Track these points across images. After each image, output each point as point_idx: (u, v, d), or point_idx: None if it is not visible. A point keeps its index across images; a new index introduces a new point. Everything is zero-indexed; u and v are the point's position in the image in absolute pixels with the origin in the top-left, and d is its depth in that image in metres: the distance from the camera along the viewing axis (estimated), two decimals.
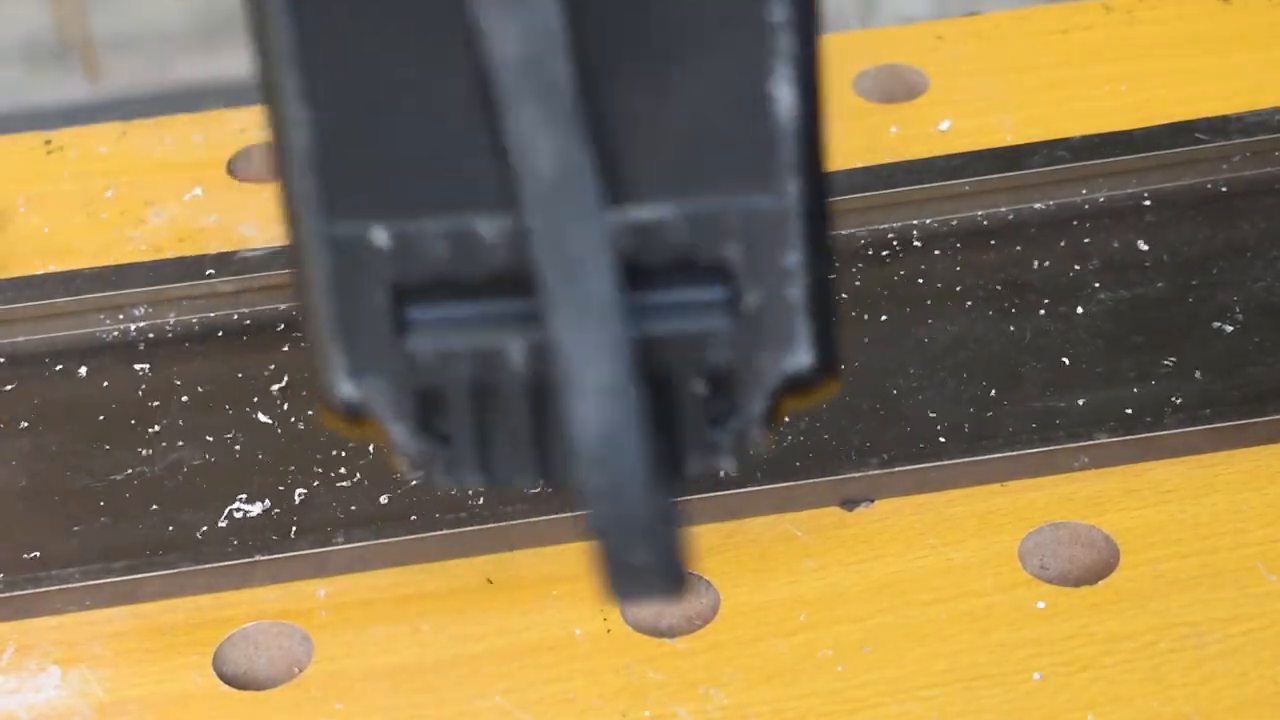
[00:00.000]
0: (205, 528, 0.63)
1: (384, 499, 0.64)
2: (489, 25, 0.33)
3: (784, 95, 0.35)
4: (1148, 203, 0.74)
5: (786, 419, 0.38)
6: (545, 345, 0.35)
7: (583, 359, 0.35)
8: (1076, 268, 0.71)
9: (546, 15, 0.34)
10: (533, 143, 0.34)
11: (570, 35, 0.34)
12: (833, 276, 0.38)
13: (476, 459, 0.37)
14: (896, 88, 0.82)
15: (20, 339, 0.72)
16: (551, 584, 0.61)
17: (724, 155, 0.36)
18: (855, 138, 0.79)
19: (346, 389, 0.37)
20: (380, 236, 0.36)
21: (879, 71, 0.83)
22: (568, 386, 0.35)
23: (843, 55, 0.84)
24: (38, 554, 0.63)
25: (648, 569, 0.36)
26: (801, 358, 0.37)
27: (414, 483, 0.63)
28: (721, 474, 0.38)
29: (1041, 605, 0.59)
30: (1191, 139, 0.74)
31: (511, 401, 0.37)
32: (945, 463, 0.63)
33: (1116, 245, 0.72)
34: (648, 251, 0.36)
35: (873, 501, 0.63)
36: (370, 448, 0.65)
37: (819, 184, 0.36)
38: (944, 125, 0.79)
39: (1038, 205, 0.74)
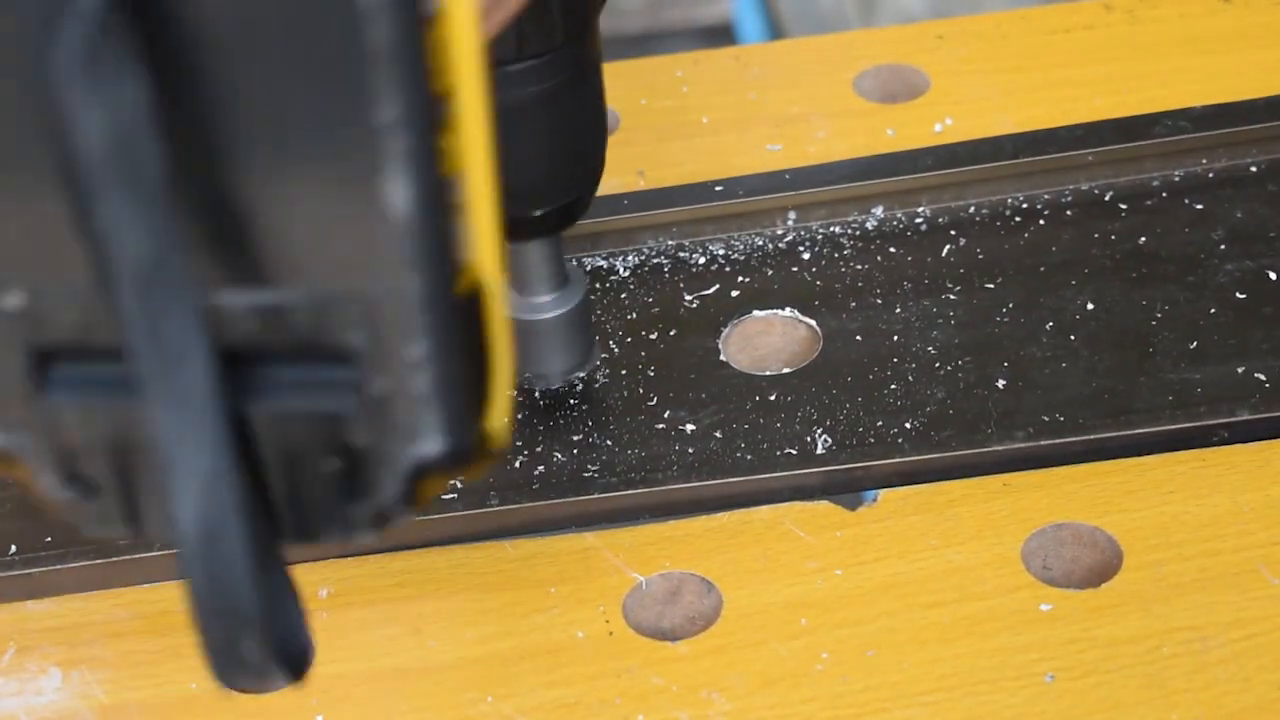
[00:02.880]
0: None
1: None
2: (72, 110, 0.32)
3: (397, 193, 0.34)
4: (1260, 171, 0.75)
5: (430, 497, 0.38)
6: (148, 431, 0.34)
7: (181, 449, 0.34)
8: (1202, 238, 0.71)
9: (134, 98, 0.33)
10: (123, 230, 0.33)
11: (160, 119, 0.33)
12: (476, 361, 0.37)
13: (124, 511, 0.37)
14: (897, 88, 0.82)
15: None
16: (552, 585, 0.61)
17: (342, 246, 0.35)
18: (855, 137, 0.79)
19: None
20: (11, 301, 0.36)
21: (879, 71, 0.83)
22: (168, 476, 0.34)
23: (843, 55, 0.84)
24: None
25: (256, 661, 0.36)
26: (431, 445, 0.36)
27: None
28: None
29: (1044, 608, 0.59)
30: None
31: (152, 460, 0.36)
32: (1086, 437, 0.64)
33: (1240, 215, 0.72)
34: (274, 333, 0.36)
35: (876, 499, 0.63)
36: None
37: (444, 276, 0.35)
38: (938, 128, 0.79)
39: (1158, 175, 0.75)
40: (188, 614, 0.35)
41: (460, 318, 0.36)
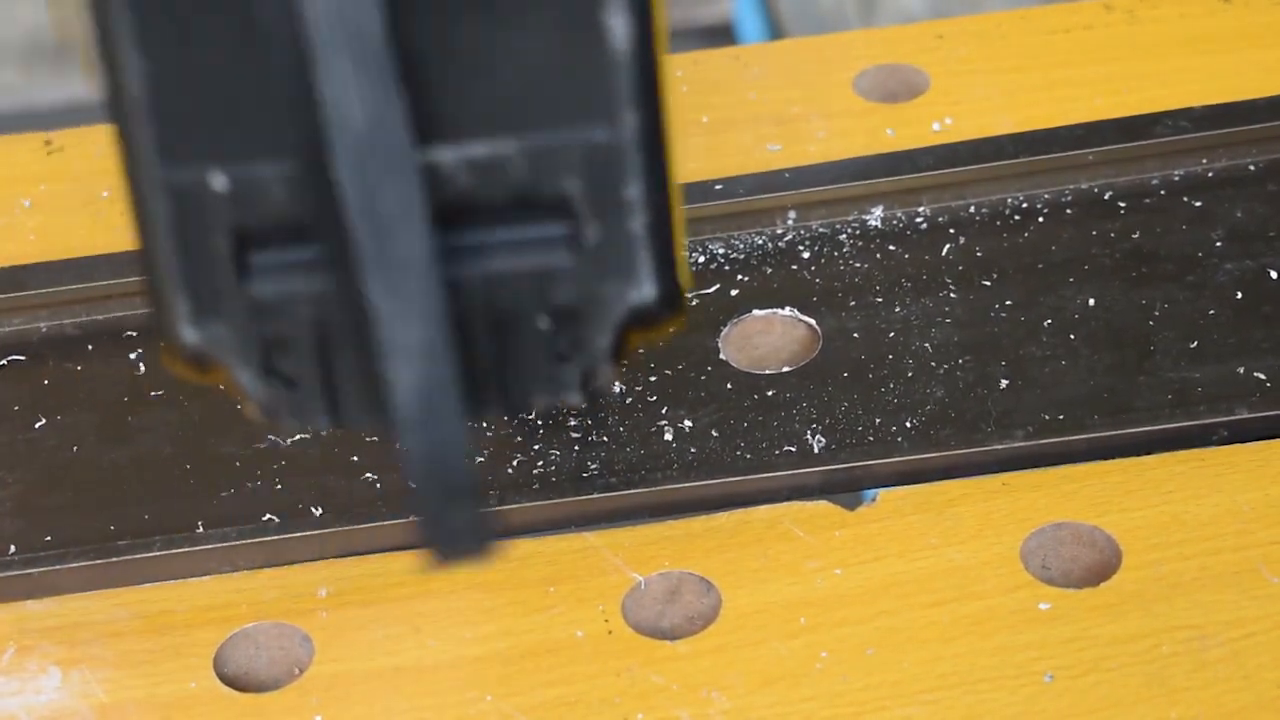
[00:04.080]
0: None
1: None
2: None
3: (618, 26, 0.35)
4: (1260, 170, 0.75)
5: (632, 353, 0.38)
6: (363, 301, 0.34)
7: (396, 321, 0.34)
8: (1201, 238, 0.71)
9: None
10: (344, 95, 0.33)
11: None
12: (674, 209, 0.37)
13: (323, 402, 0.37)
14: (897, 87, 0.82)
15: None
16: (552, 584, 0.61)
17: (561, 90, 0.35)
18: (855, 137, 0.79)
19: (190, 335, 0.37)
20: (219, 181, 0.36)
21: (879, 71, 0.83)
22: (383, 349, 0.34)
23: (843, 55, 0.84)
24: (200, 523, 0.64)
25: (464, 529, 0.36)
26: (645, 290, 0.37)
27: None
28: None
29: (1044, 607, 0.59)
30: None
31: (355, 343, 0.37)
32: (1086, 436, 0.64)
33: (1239, 215, 0.72)
34: (488, 189, 0.36)
35: (875, 499, 0.63)
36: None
37: (657, 115, 0.36)
38: (936, 127, 0.79)
39: (1159, 175, 0.75)
40: (407, 479, 0.35)
41: (664, 160, 0.36)
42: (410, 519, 0.63)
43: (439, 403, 0.35)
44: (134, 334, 0.71)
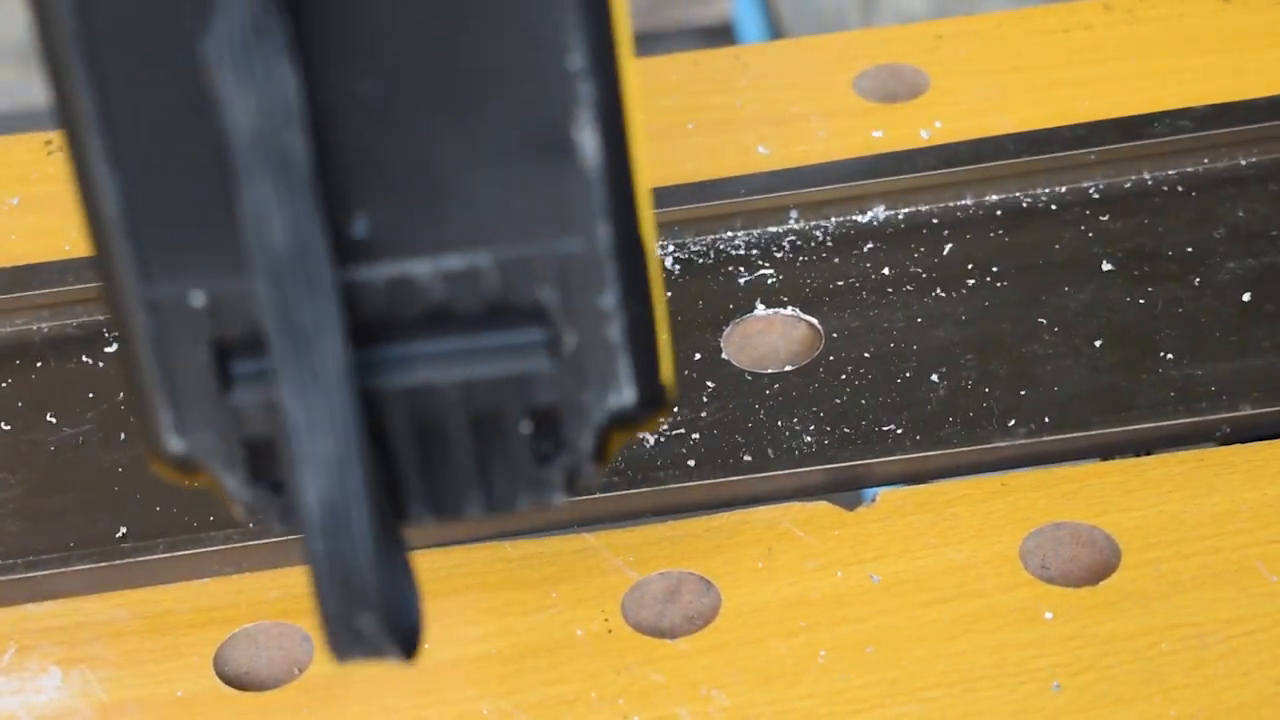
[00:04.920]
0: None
1: None
2: (225, 96, 0.33)
3: (587, 142, 0.35)
4: (1262, 170, 0.75)
5: (615, 453, 0.39)
6: (279, 412, 0.35)
7: (309, 431, 0.35)
8: (1203, 237, 0.72)
9: (284, 88, 0.33)
10: (264, 215, 0.34)
11: (309, 110, 0.34)
12: (655, 309, 0.38)
13: (290, 489, 0.37)
14: (897, 87, 0.82)
15: None
16: (552, 585, 0.61)
17: (532, 203, 0.36)
18: (855, 137, 0.79)
19: (175, 444, 0.38)
20: (197, 297, 0.36)
21: (879, 71, 0.83)
22: (294, 457, 0.35)
23: (843, 55, 0.84)
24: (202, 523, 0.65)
25: (371, 636, 0.36)
26: (625, 395, 0.37)
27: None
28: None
29: (1043, 606, 0.59)
30: None
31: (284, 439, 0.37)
32: (1089, 433, 0.64)
33: (1241, 214, 0.72)
34: (463, 298, 0.36)
35: (876, 499, 0.63)
36: None
37: (630, 224, 0.36)
38: (937, 126, 0.79)
39: (1160, 174, 0.75)
40: (309, 588, 0.36)
41: (639, 267, 0.37)
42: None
43: (345, 513, 0.35)
44: None
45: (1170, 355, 0.67)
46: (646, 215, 0.37)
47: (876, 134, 0.79)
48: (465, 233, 0.36)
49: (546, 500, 0.38)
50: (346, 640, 0.37)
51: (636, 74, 0.36)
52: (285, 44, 0.33)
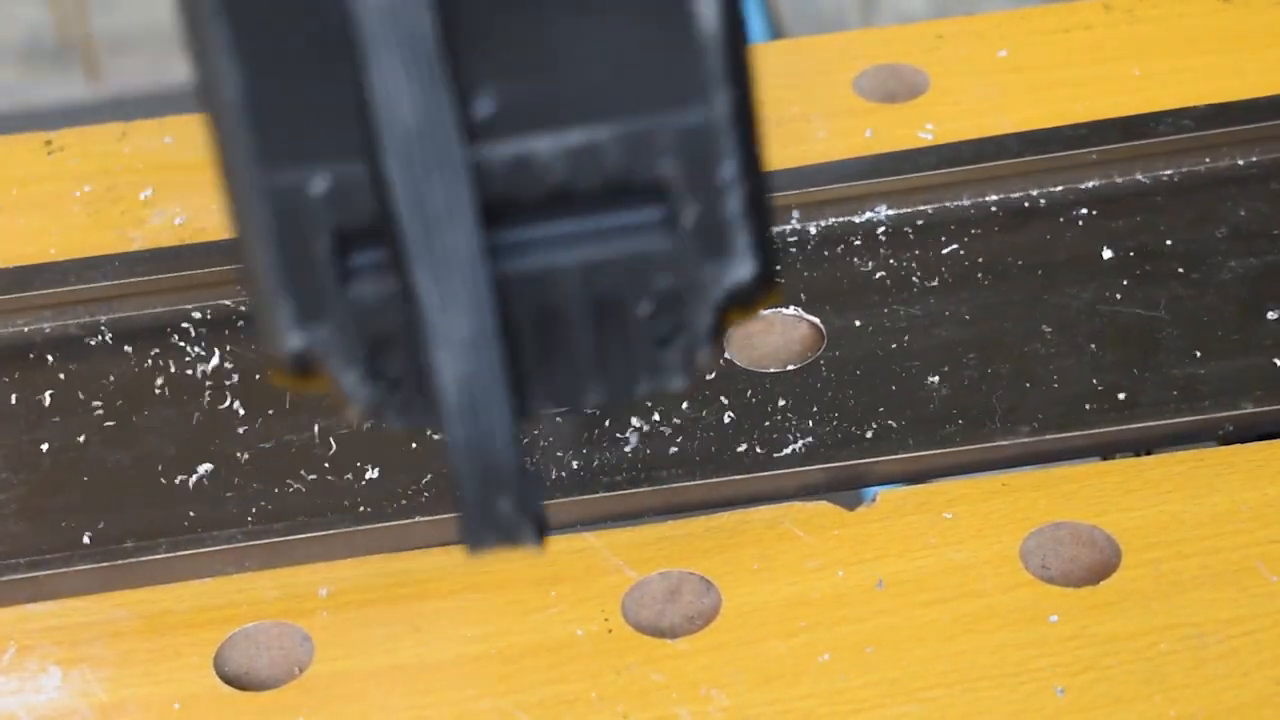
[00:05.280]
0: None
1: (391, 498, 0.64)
2: None
3: (706, 8, 0.35)
4: (1263, 169, 0.75)
5: (730, 330, 0.38)
6: (407, 296, 0.35)
7: (442, 313, 0.35)
8: (1205, 236, 0.72)
9: None
10: (394, 92, 0.34)
11: None
12: (767, 186, 0.37)
13: (425, 399, 0.37)
14: (897, 87, 0.82)
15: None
16: (552, 584, 0.61)
17: (652, 74, 0.35)
18: (855, 137, 0.79)
19: (294, 339, 0.37)
20: (318, 184, 0.36)
21: (879, 71, 0.83)
22: (430, 339, 0.35)
23: (843, 55, 0.84)
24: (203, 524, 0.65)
25: (507, 519, 0.36)
26: (744, 268, 0.37)
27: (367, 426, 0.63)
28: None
29: (1043, 606, 0.59)
30: None
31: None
32: (1092, 432, 0.64)
33: (1243, 213, 0.73)
34: (584, 176, 0.36)
35: (876, 499, 0.63)
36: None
37: (746, 94, 0.36)
38: (926, 134, 0.79)
39: (1162, 174, 0.75)
40: (449, 471, 0.35)
41: (760, 137, 0.36)
42: (412, 520, 0.64)
43: (484, 394, 0.35)
44: (137, 335, 0.71)
45: (1172, 354, 0.67)
46: (757, 88, 0.37)
47: (875, 134, 0.79)
48: (587, 107, 0.35)
49: (665, 383, 0.38)
50: (485, 526, 0.36)
51: None
52: None
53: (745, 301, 0.37)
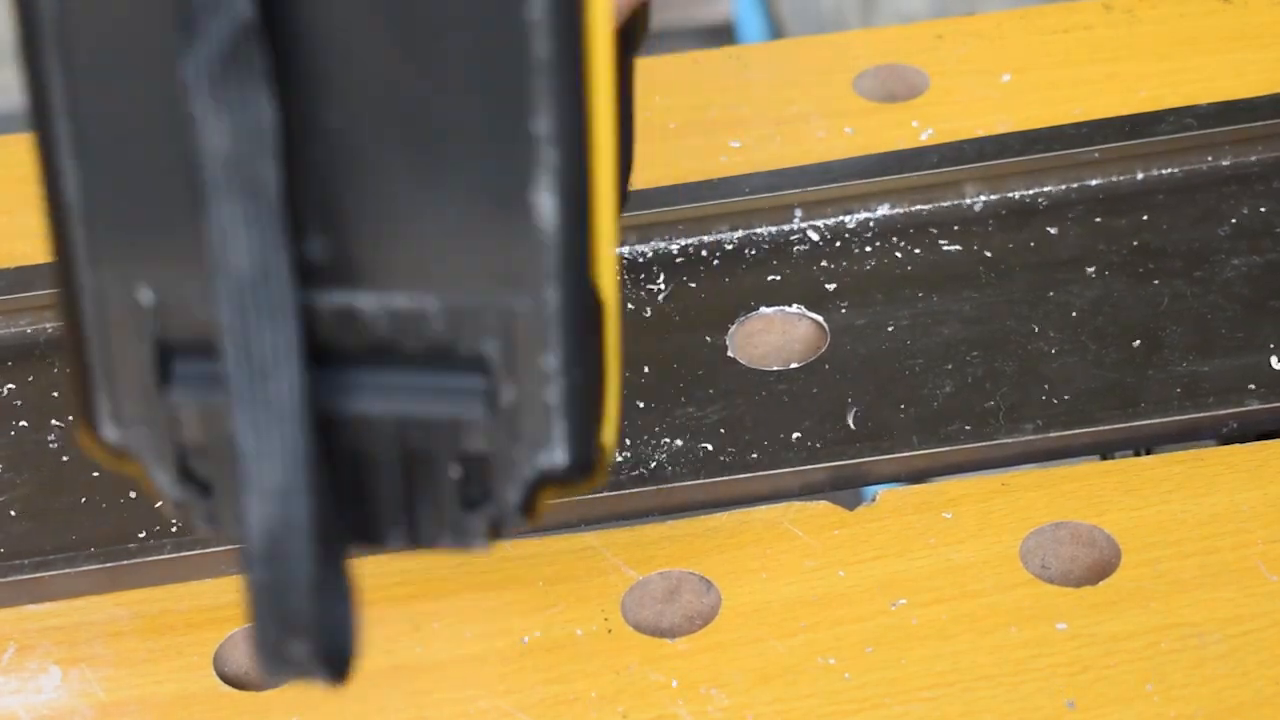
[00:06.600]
0: None
1: None
2: (199, 118, 0.33)
3: (545, 205, 0.35)
4: (1266, 167, 0.75)
5: (544, 509, 0.38)
6: (227, 439, 0.35)
7: (259, 459, 0.35)
8: (1207, 234, 0.72)
9: (260, 117, 0.33)
10: (230, 237, 0.34)
11: (282, 139, 0.34)
12: (605, 372, 0.38)
13: (235, 511, 0.37)
14: (897, 87, 0.82)
15: None
16: (552, 584, 0.61)
17: (486, 255, 0.35)
18: (855, 137, 0.79)
19: (110, 433, 0.38)
20: (145, 295, 0.36)
21: (879, 71, 0.83)
22: (242, 482, 0.35)
23: (843, 55, 0.84)
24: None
25: (302, 662, 0.37)
26: (556, 456, 0.37)
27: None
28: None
29: (1043, 606, 0.59)
30: None
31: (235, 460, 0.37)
32: (1096, 430, 0.64)
33: (1245, 212, 0.73)
34: (407, 338, 0.36)
35: (876, 499, 0.63)
36: None
37: (582, 289, 0.36)
38: (936, 126, 0.79)
39: (1164, 172, 0.75)
40: (244, 608, 0.36)
41: (589, 332, 0.36)
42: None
43: (288, 544, 0.35)
44: None
45: (1175, 352, 0.67)
46: (607, 275, 0.37)
47: (875, 134, 0.79)
48: (416, 274, 0.36)
49: (467, 545, 0.38)
50: (277, 663, 0.37)
51: (608, 137, 0.35)
52: (263, 72, 0.33)
53: (559, 484, 0.37)
